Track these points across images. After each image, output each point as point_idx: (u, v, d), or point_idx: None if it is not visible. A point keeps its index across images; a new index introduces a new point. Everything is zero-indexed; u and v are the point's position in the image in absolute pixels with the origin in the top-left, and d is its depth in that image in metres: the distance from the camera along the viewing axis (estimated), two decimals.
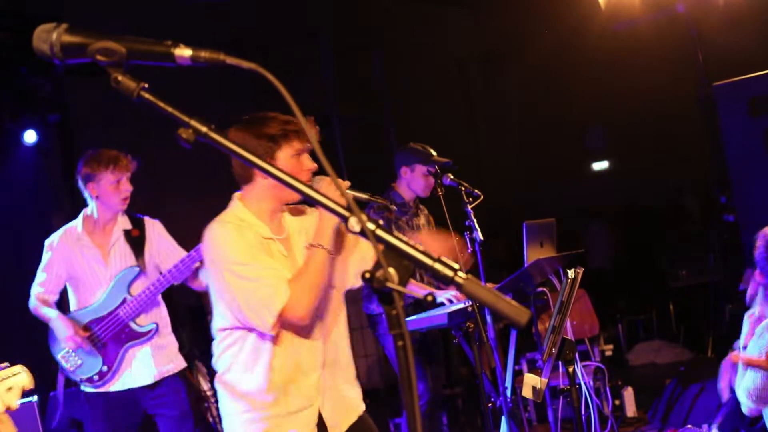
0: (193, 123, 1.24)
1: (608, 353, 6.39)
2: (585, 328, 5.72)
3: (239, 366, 2.56)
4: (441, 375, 5.10)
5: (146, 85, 1.24)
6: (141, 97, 1.23)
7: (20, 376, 2.54)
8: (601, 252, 8.36)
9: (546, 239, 4.95)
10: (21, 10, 5.16)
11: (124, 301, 3.83)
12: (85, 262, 3.88)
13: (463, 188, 4.24)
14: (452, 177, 4.34)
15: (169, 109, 1.25)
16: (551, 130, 8.48)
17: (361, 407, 2.75)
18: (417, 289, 4.60)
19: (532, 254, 4.77)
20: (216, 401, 2.90)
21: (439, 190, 4.47)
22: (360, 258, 2.78)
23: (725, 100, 5.54)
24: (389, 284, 1.18)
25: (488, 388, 4.14)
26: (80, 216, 3.95)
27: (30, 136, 5.64)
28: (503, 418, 4.09)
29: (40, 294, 3.90)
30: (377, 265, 1.19)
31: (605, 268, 8.25)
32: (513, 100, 8.95)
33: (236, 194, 2.69)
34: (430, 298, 1.41)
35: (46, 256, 3.92)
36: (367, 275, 1.18)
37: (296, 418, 2.56)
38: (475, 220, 4.14)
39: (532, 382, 3.08)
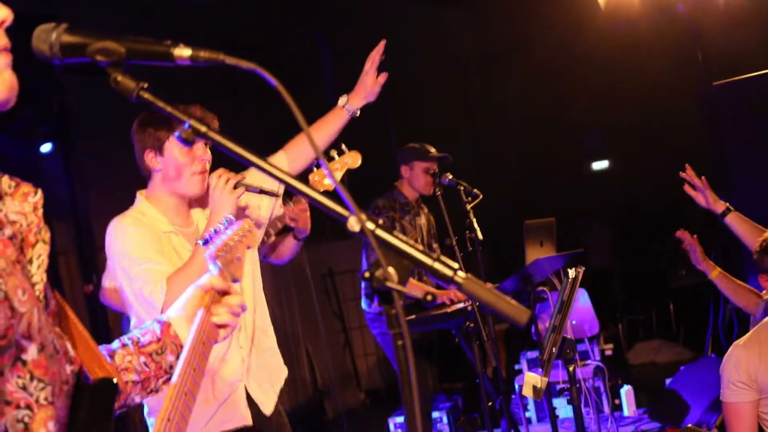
0: (192, 122, 1.24)
1: (608, 352, 6.40)
2: (585, 327, 5.72)
3: None
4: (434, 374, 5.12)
5: (146, 85, 1.24)
6: (140, 96, 1.24)
7: (252, 237, 1.88)
8: (602, 252, 8.35)
9: (546, 239, 4.97)
10: (20, 10, 5.15)
11: None
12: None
13: (462, 188, 4.25)
14: (451, 177, 4.35)
15: (169, 109, 1.25)
16: (551, 130, 8.48)
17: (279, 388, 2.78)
18: (416, 288, 4.61)
19: (532, 254, 4.78)
20: None
21: (437, 189, 4.47)
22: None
23: (725, 99, 5.54)
24: (389, 283, 1.18)
25: (488, 388, 4.14)
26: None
27: (46, 148, 5.68)
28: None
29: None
30: (377, 265, 1.19)
31: (605, 267, 8.24)
32: (513, 99, 8.95)
33: (140, 191, 2.71)
34: (429, 298, 1.41)
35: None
36: (367, 275, 1.18)
37: (225, 405, 2.57)
38: (474, 220, 4.15)
39: (532, 381, 3.09)
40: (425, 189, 4.88)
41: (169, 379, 1.56)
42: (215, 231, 1.80)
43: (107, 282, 3.68)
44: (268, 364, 2.73)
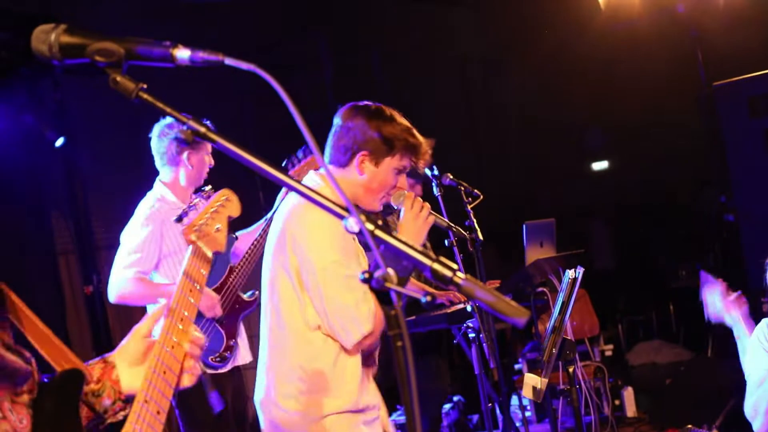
0: (191, 122, 1.24)
1: (608, 353, 6.40)
2: (585, 328, 5.72)
3: (330, 381, 2.33)
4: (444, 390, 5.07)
5: (145, 86, 1.24)
6: (139, 97, 1.24)
7: (232, 205, 1.79)
8: (601, 252, 8.35)
9: (546, 239, 4.96)
10: (21, 10, 5.16)
11: (231, 271, 3.64)
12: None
13: (462, 188, 4.23)
14: (451, 177, 4.33)
15: (168, 110, 1.25)
16: (551, 130, 8.48)
17: None
18: (416, 289, 4.61)
19: (531, 254, 4.78)
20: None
21: (440, 190, 4.46)
22: None
23: (725, 99, 5.55)
24: (388, 284, 1.18)
25: (488, 388, 4.14)
26: (160, 186, 3.69)
27: (59, 143, 5.68)
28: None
29: (138, 274, 3.53)
30: (376, 266, 1.19)
31: (605, 268, 8.24)
32: (513, 99, 8.95)
33: (316, 173, 2.47)
34: (429, 299, 1.41)
35: (142, 233, 3.58)
36: (367, 276, 1.18)
37: (372, 414, 2.46)
38: (474, 220, 4.13)
39: (532, 382, 3.08)
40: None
41: (104, 422, 1.53)
42: (191, 206, 1.72)
43: (128, 271, 3.52)
44: None
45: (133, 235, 3.60)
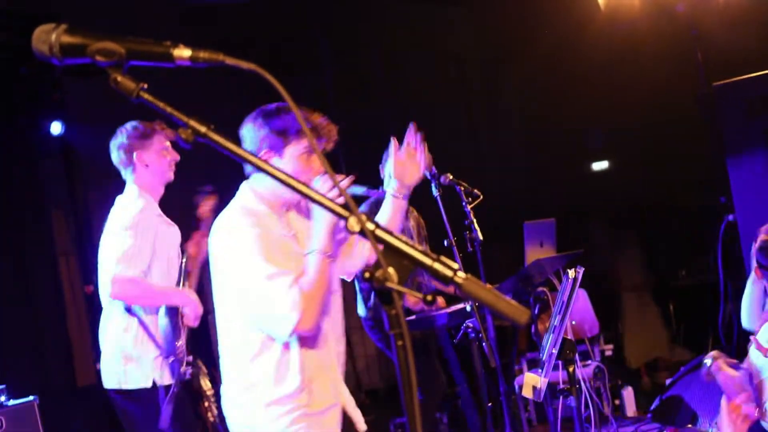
0: (192, 123, 1.24)
1: (608, 353, 6.40)
2: (585, 328, 5.72)
3: (269, 376, 2.44)
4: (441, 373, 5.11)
5: (145, 86, 1.24)
6: (140, 97, 1.24)
7: None
8: (601, 252, 8.34)
9: (546, 239, 4.97)
10: (21, 10, 5.16)
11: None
12: (166, 240, 3.66)
13: (462, 188, 4.24)
14: (451, 177, 4.34)
15: (168, 109, 1.25)
16: (551, 130, 8.48)
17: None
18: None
19: (531, 254, 4.79)
20: (217, 401, 2.89)
21: (438, 189, 4.46)
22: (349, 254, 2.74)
23: (725, 100, 5.54)
24: (389, 284, 1.18)
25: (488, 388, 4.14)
26: (137, 193, 3.67)
27: (56, 128, 5.66)
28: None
29: (139, 276, 3.52)
30: (377, 265, 1.19)
31: (605, 268, 8.24)
32: (513, 99, 8.95)
33: (246, 184, 2.56)
34: (429, 298, 1.41)
35: (130, 236, 3.55)
36: (367, 275, 1.18)
37: (325, 417, 2.52)
38: (474, 220, 4.14)
39: (532, 381, 3.08)
40: None
41: None
42: None
43: (129, 270, 3.52)
44: (347, 391, 2.68)
45: (121, 237, 3.58)
